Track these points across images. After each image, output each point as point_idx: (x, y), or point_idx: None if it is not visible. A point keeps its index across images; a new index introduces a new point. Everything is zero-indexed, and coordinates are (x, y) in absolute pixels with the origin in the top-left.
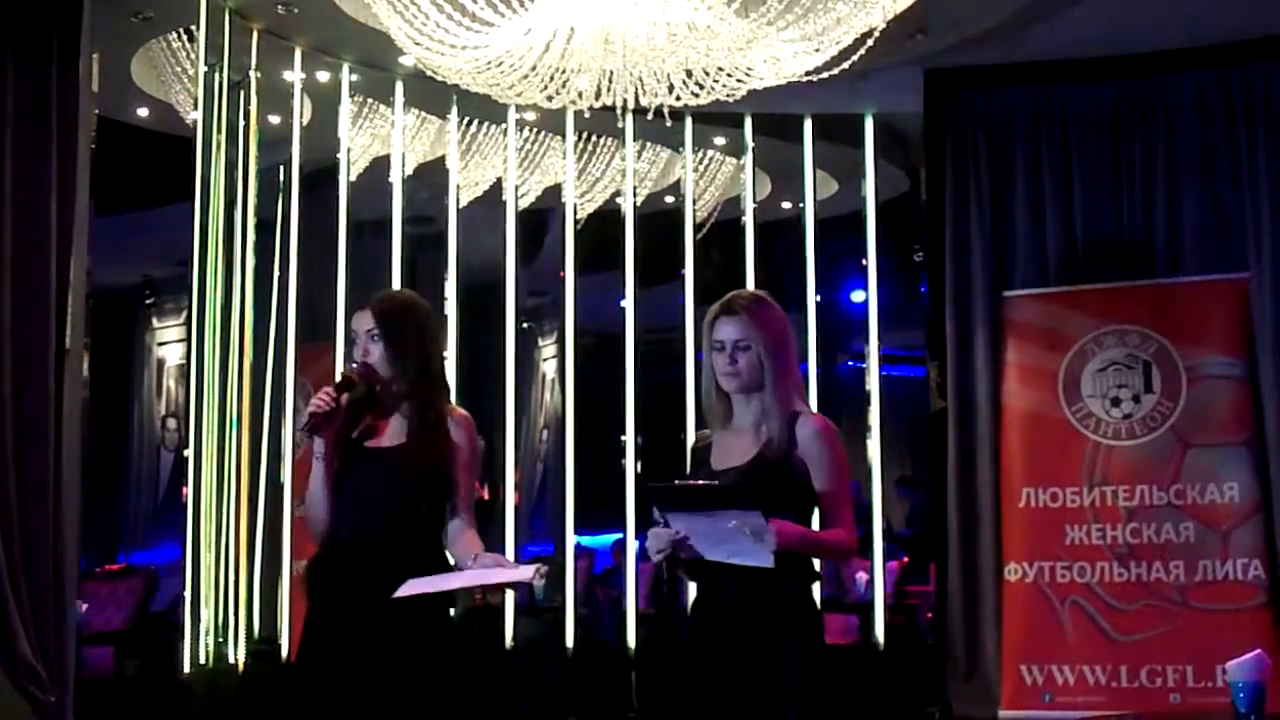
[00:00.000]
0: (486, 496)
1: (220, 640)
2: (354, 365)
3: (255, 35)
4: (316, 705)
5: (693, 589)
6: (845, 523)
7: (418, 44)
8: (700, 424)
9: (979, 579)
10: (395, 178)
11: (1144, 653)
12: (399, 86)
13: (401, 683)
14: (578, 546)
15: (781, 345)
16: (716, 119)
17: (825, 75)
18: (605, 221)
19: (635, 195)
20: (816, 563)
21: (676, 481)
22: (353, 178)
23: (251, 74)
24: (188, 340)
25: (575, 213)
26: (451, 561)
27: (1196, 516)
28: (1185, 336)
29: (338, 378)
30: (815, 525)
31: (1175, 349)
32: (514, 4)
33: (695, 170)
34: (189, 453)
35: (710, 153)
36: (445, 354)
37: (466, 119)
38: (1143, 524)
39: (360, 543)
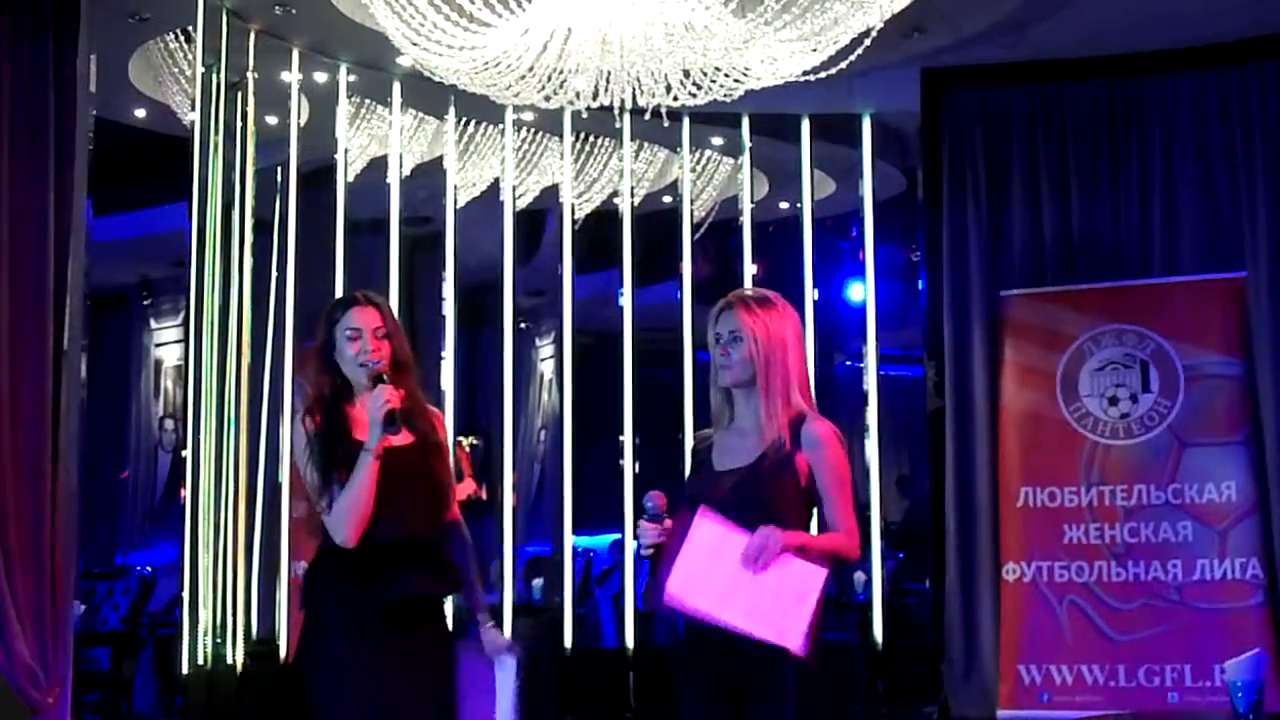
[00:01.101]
0: (485, 496)
1: (218, 641)
2: (379, 363)
3: (252, 36)
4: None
5: None
6: (847, 527)
7: (415, 44)
8: (698, 424)
9: (977, 578)
10: (393, 178)
11: (1142, 652)
12: (396, 87)
13: (420, 683)
14: (575, 546)
15: (780, 343)
16: (714, 119)
17: (822, 75)
18: (603, 221)
19: (633, 195)
20: None
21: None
22: (350, 178)
23: (249, 74)
24: (185, 340)
25: (573, 213)
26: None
27: (1194, 515)
28: (1182, 336)
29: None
30: (814, 528)
31: (1173, 348)
32: (511, 4)
33: (693, 170)
34: (187, 453)
35: (707, 153)
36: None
37: (464, 119)
38: (1140, 523)
39: (401, 542)
